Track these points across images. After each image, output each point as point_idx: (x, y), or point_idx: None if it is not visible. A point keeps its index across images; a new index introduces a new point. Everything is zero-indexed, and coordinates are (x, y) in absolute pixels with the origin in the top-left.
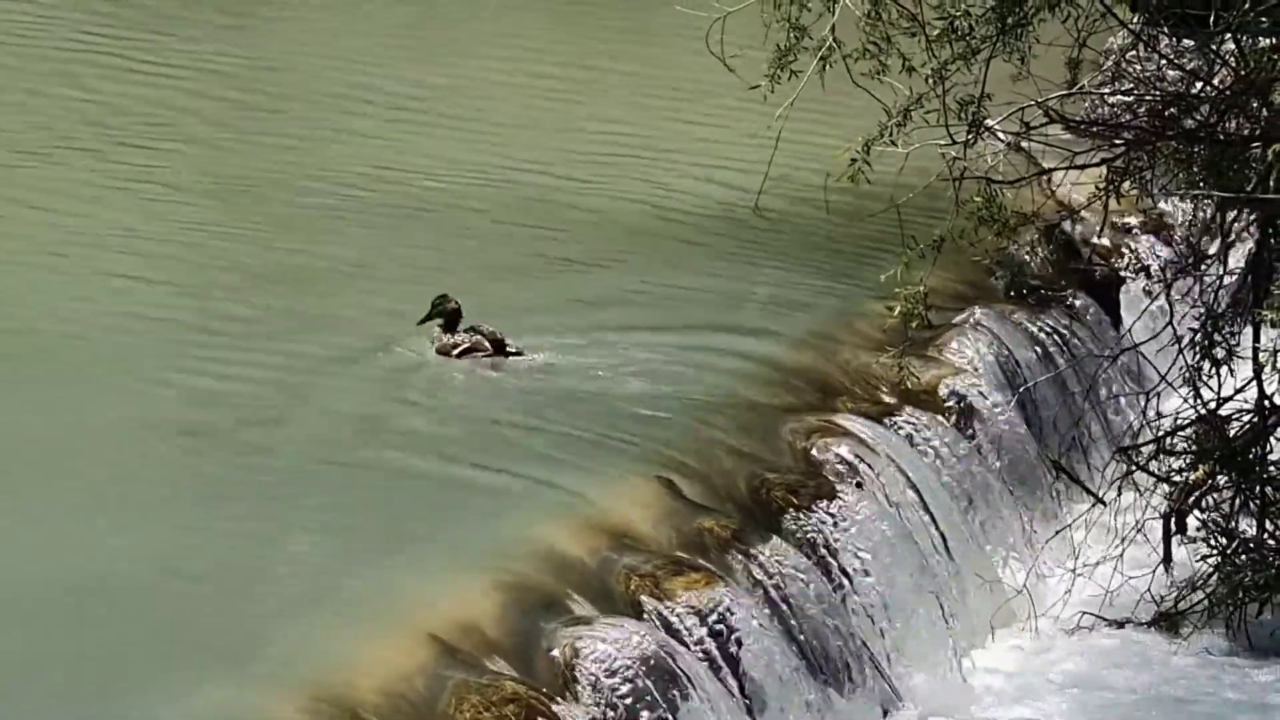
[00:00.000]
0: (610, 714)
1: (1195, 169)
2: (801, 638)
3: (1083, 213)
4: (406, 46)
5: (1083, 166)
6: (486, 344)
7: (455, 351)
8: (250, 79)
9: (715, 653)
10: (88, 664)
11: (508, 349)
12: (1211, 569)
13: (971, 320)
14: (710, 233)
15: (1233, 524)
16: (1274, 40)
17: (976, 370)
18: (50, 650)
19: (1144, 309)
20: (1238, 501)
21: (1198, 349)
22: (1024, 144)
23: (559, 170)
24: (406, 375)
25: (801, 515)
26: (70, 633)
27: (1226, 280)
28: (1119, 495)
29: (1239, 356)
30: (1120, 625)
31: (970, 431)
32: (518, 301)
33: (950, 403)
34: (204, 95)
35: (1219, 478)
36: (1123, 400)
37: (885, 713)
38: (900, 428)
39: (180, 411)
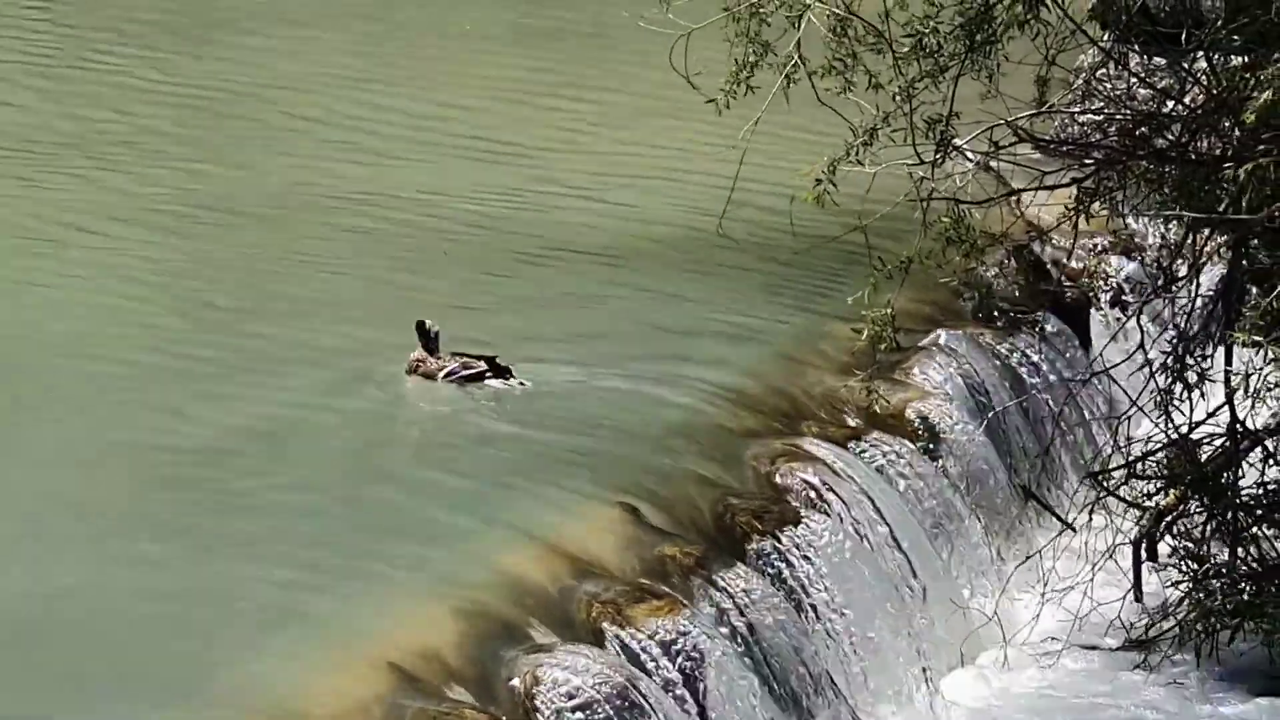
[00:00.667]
0: None
1: (1166, 189)
2: (766, 666)
3: (1052, 233)
4: (367, 70)
5: (1052, 187)
6: (479, 364)
7: (442, 375)
8: (218, 101)
9: (678, 681)
10: (42, 692)
11: (497, 363)
12: (1183, 595)
13: (939, 343)
14: (672, 255)
15: (1204, 549)
16: (1246, 58)
17: (944, 394)
18: (6, 677)
19: (1115, 332)
20: (1209, 527)
21: (1169, 372)
22: (993, 164)
23: (520, 195)
24: (367, 401)
25: (766, 542)
26: (25, 660)
27: (1198, 302)
28: (1089, 521)
29: (1211, 379)
30: (1090, 651)
31: (938, 456)
32: (475, 325)
33: (918, 427)
34: (172, 119)
35: (1190, 502)
36: (1093, 424)
37: None
38: (867, 453)
39: (142, 440)
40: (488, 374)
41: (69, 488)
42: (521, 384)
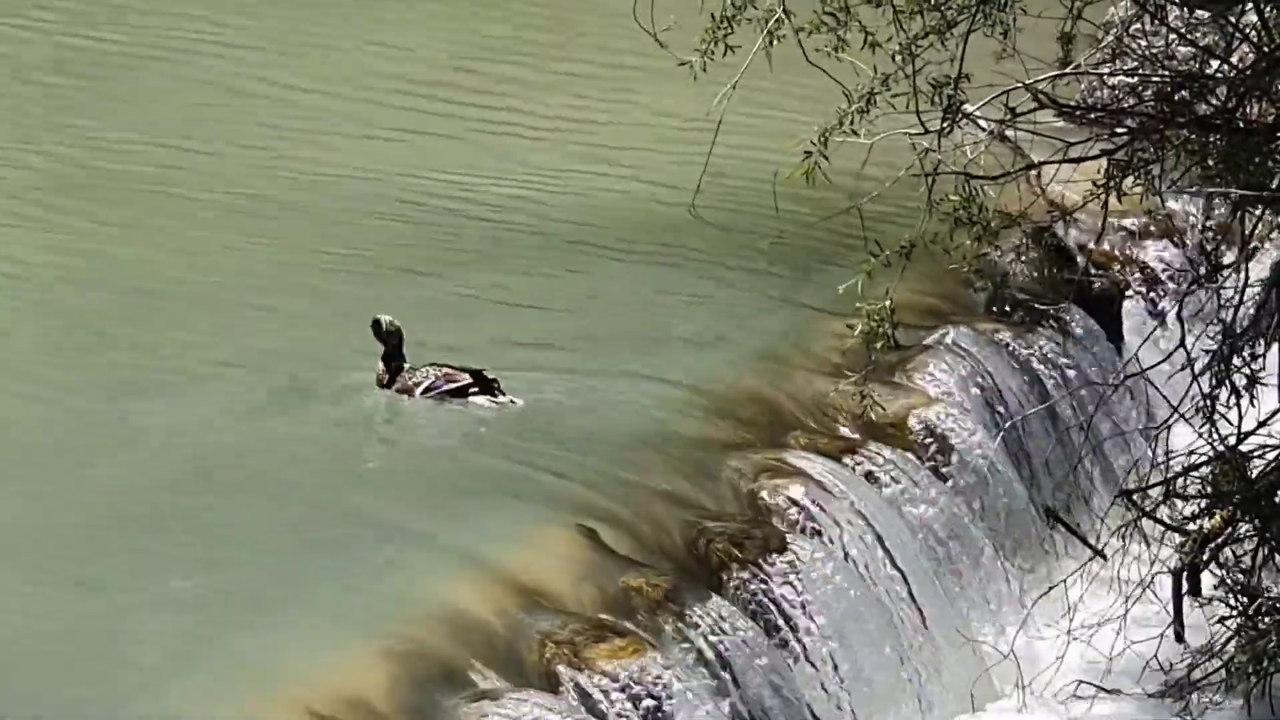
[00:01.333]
0: None
1: (1210, 162)
2: (746, 715)
3: (1078, 213)
4: (306, 35)
5: (1078, 160)
6: (463, 376)
7: (420, 390)
8: (135, 80)
9: None
10: None
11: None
12: (1230, 633)
13: (947, 341)
14: (639, 240)
15: (1255, 580)
16: None
17: (953, 400)
18: None
19: (1151, 329)
20: (1261, 554)
21: (1214, 375)
22: (1009, 133)
23: (473, 174)
24: (295, 416)
25: (746, 571)
26: None
27: (1247, 293)
28: (1123, 547)
29: (1262, 383)
30: (1123, 697)
31: (946, 472)
32: (424, 322)
33: (922, 438)
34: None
35: (1239, 526)
36: (1127, 436)
37: None
38: (863, 467)
39: (41, 460)
40: (473, 389)
41: None
42: (512, 401)
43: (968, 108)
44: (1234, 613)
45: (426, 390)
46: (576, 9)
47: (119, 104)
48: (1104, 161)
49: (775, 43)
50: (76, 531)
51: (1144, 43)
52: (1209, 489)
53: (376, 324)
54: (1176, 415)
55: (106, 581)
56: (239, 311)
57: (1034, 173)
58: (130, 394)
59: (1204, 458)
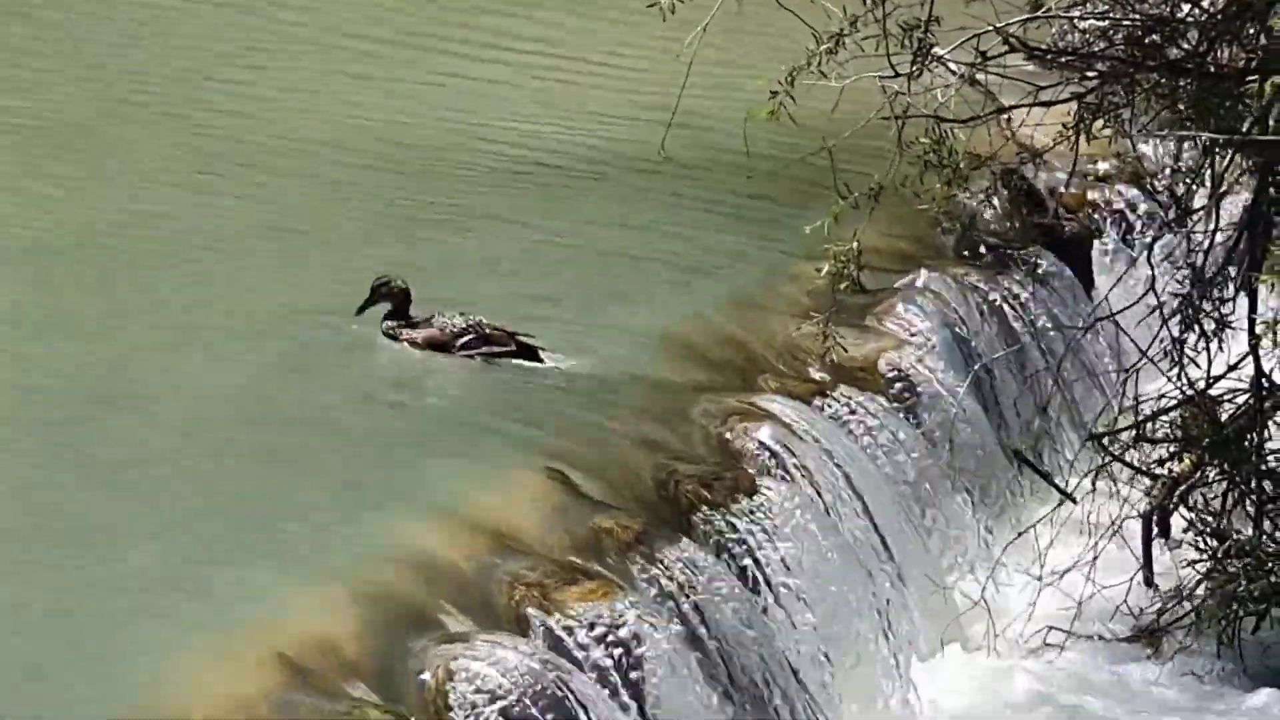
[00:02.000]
0: None
1: (1181, 106)
2: (716, 658)
3: (1048, 157)
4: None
5: (1048, 104)
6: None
7: (458, 345)
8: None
9: (613, 675)
10: None
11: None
12: (1200, 576)
13: (917, 284)
14: (608, 183)
15: (1225, 524)
16: None
17: (923, 343)
18: None
19: (1121, 272)
20: (1230, 498)
21: (1183, 319)
22: (979, 76)
23: (439, 118)
24: (252, 359)
25: (716, 513)
26: None
27: (1218, 237)
28: (1092, 491)
29: (1232, 327)
30: (1093, 641)
31: (916, 415)
32: (383, 261)
33: (892, 381)
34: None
35: (1208, 470)
36: (1096, 379)
37: None
38: (833, 410)
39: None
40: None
41: None
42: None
43: (938, 51)
44: (1203, 556)
45: (464, 347)
46: None
47: (92, 47)
48: (1074, 105)
49: None
50: (31, 479)
51: None
52: (1179, 433)
53: (384, 284)
54: (1145, 359)
55: (78, 535)
56: (208, 264)
57: (1004, 116)
58: (121, 350)
59: (1173, 402)
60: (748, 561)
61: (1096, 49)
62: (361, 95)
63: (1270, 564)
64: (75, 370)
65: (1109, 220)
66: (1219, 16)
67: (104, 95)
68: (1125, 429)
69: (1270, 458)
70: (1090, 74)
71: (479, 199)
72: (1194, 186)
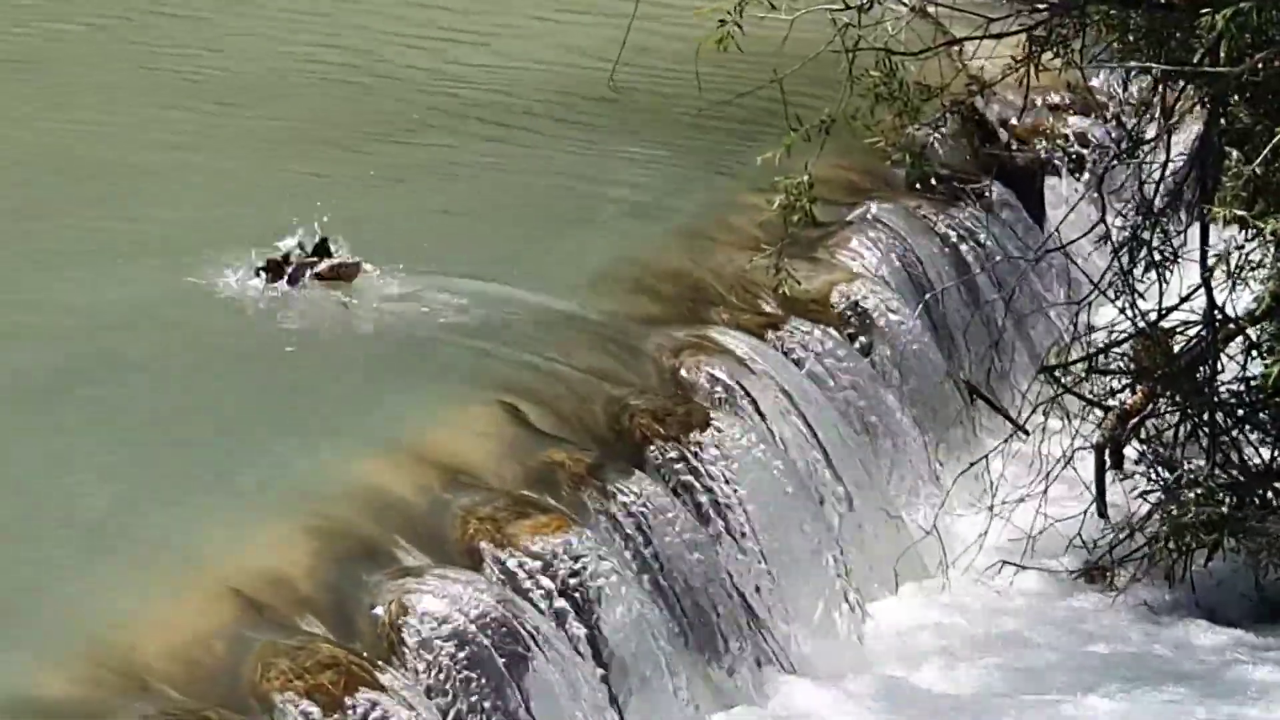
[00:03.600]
0: (443, 681)
1: (1131, 37)
2: (669, 590)
3: (1000, 90)
4: None
5: (999, 35)
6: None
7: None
8: None
9: (566, 609)
10: None
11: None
12: (1152, 508)
13: (868, 216)
14: (555, 113)
15: (1177, 455)
16: None
17: (874, 275)
18: None
19: (1073, 204)
20: (1183, 429)
21: (1135, 250)
22: (929, 9)
23: (386, 47)
24: (204, 294)
25: (669, 446)
26: None
27: (1169, 169)
28: (1044, 423)
29: (1184, 259)
30: (1045, 574)
31: (868, 348)
32: (331, 196)
33: (844, 314)
34: None
35: (1161, 401)
36: (1048, 311)
37: (767, 678)
38: (785, 343)
39: None
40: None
41: None
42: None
43: None
44: (1155, 488)
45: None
46: None
47: None
48: (1024, 37)
49: None
50: None
51: None
52: (1131, 365)
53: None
54: (1097, 291)
55: (14, 464)
56: (149, 188)
57: (955, 49)
58: (53, 269)
59: (1125, 334)
60: (701, 494)
61: None
62: (302, 30)
63: (1222, 495)
64: (9, 293)
65: (1060, 152)
66: None
67: (58, 21)
68: (1077, 361)
69: (1222, 389)
70: (1041, 5)
71: (424, 135)
72: (1145, 118)
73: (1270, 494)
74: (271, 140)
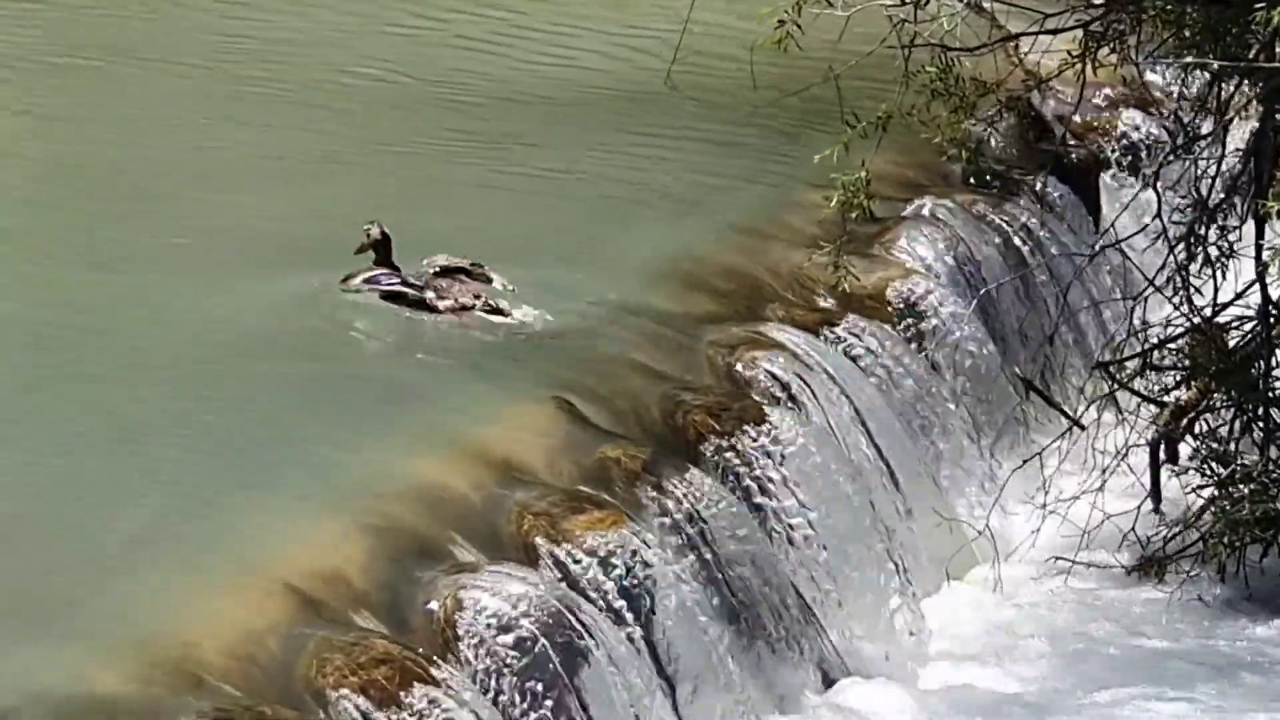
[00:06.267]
0: (498, 677)
1: (1187, 32)
2: (725, 587)
3: (1056, 85)
4: None
5: (1054, 31)
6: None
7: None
8: None
9: (622, 605)
10: None
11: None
12: (1206, 503)
13: (924, 212)
14: (615, 111)
15: (1231, 451)
16: None
17: (930, 271)
18: None
19: (1128, 200)
20: (1237, 424)
21: (1190, 246)
22: (985, 4)
23: (445, 46)
24: (256, 292)
25: (724, 443)
26: None
27: (1224, 165)
28: (1098, 418)
29: (1239, 255)
30: (1099, 570)
31: (923, 344)
32: (396, 194)
33: (899, 310)
34: None
35: (1215, 397)
36: (1103, 307)
37: (824, 678)
38: (841, 340)
39: (23, 333)
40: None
41: None
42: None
43: None
44: (1210, 484)
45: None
46: None
47: None
48: (1080, 32)
49: None
50: (29, 415)
51: None
52: (1185, 360)
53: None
54: (1152, 287)
55: (75, 463)
56: (216, 196)
57: (1011, 44)
58: (127, 279)
59: (1180, 329)
60: (755, 491)
61: None
62: (360, 28)
63: (1276, 490)
64: (79, 298)
65: (1115, 148)
66: None
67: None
68: (1132, 357)
69: (1277, 385)
70: (1096, 0)
71: (481, 129)
72: (1201, 114)
73: None
74: (328, 144)
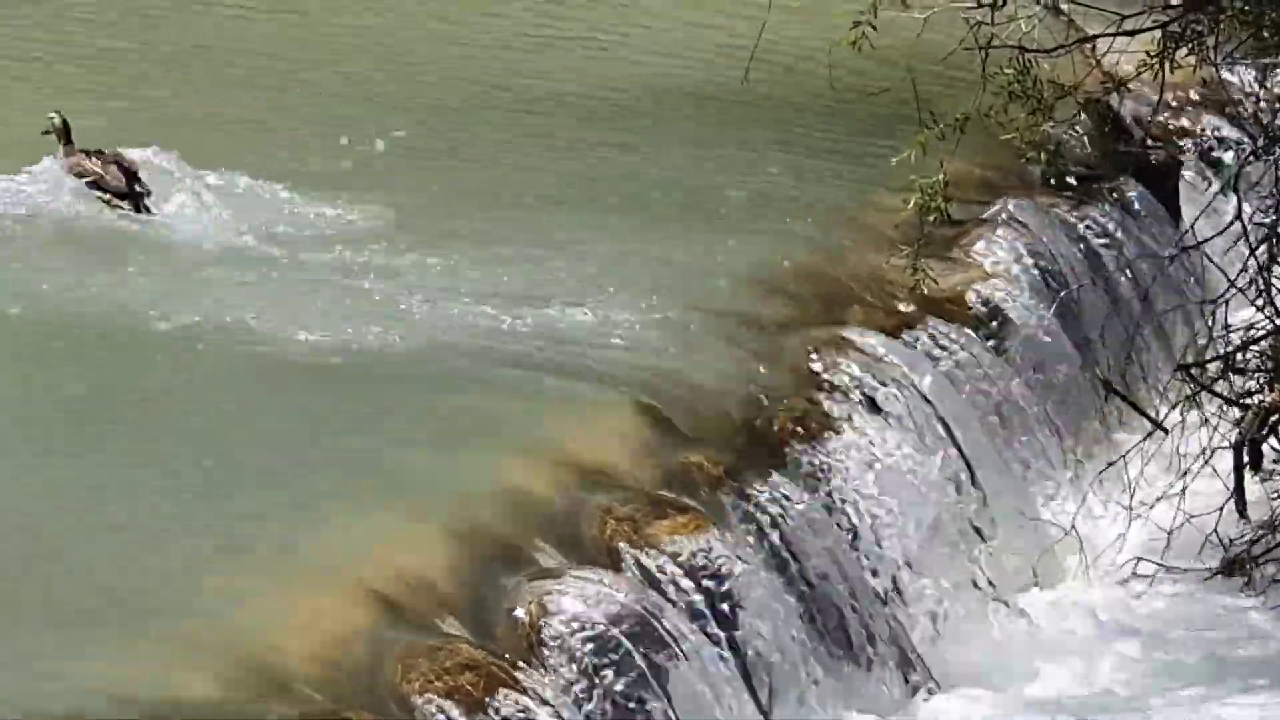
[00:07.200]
0: (584, 682)
1: (1266, 33)
2: (807, 590)
3: (1134, 87)
4: None
5: (1132, 33)
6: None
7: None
8: None
9: (706, 610)
10: None
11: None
12: None
13: (1003, 214)
14: (691, 112)
15: None
16: None
17: (1010, 274)
18: None
19: (1208, 201)
20: None
21: (1271, 248)
22: (1062, 6)
23: (515, 48)
24: (329, 297)
25: (806, 447)
26: None
27: None
28: (1182, 421)
29: None
30: (1184, 572)
31: (1004, 346)
32: (472, 194)
33: (980, 313)
34: None
35: None
36: (1185, 310)
37: (911, 688)
38: (922, 343)
39: (69, 349)
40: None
41: None
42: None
43: None
44: None
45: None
46: None
47: None
48: (1158, 33)
49: None
50: (109, 423)
51: None
52: (1269, 363)
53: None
54: (1233, 289)
55: (150, 471)
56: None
57: (1089, 46)
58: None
59: (1263, 331)
60: (838, 495)
61: None
62: (433, 24)
63: None
64: (159, 295)
65: (1195, 149)
66: None
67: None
68: (1214, 359)
69: None
70: (1175, 1)
71: (557, 128)
72: None
73: None
74: (414, 133)
